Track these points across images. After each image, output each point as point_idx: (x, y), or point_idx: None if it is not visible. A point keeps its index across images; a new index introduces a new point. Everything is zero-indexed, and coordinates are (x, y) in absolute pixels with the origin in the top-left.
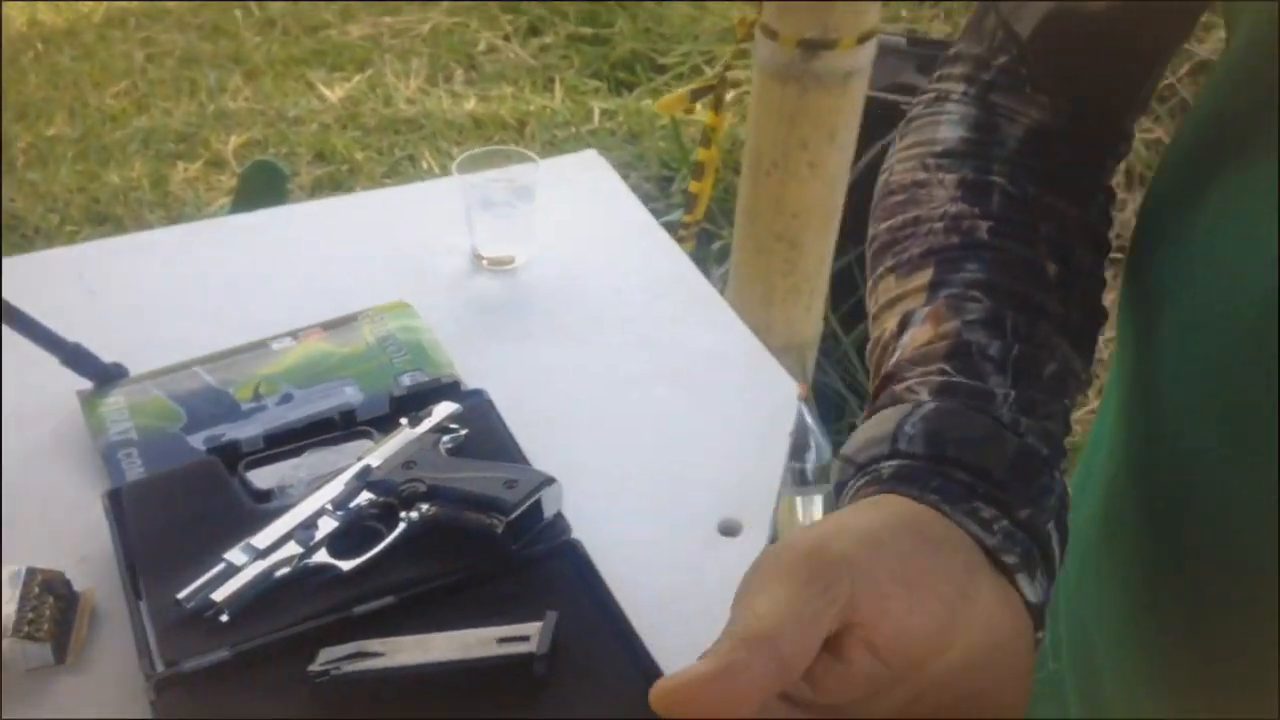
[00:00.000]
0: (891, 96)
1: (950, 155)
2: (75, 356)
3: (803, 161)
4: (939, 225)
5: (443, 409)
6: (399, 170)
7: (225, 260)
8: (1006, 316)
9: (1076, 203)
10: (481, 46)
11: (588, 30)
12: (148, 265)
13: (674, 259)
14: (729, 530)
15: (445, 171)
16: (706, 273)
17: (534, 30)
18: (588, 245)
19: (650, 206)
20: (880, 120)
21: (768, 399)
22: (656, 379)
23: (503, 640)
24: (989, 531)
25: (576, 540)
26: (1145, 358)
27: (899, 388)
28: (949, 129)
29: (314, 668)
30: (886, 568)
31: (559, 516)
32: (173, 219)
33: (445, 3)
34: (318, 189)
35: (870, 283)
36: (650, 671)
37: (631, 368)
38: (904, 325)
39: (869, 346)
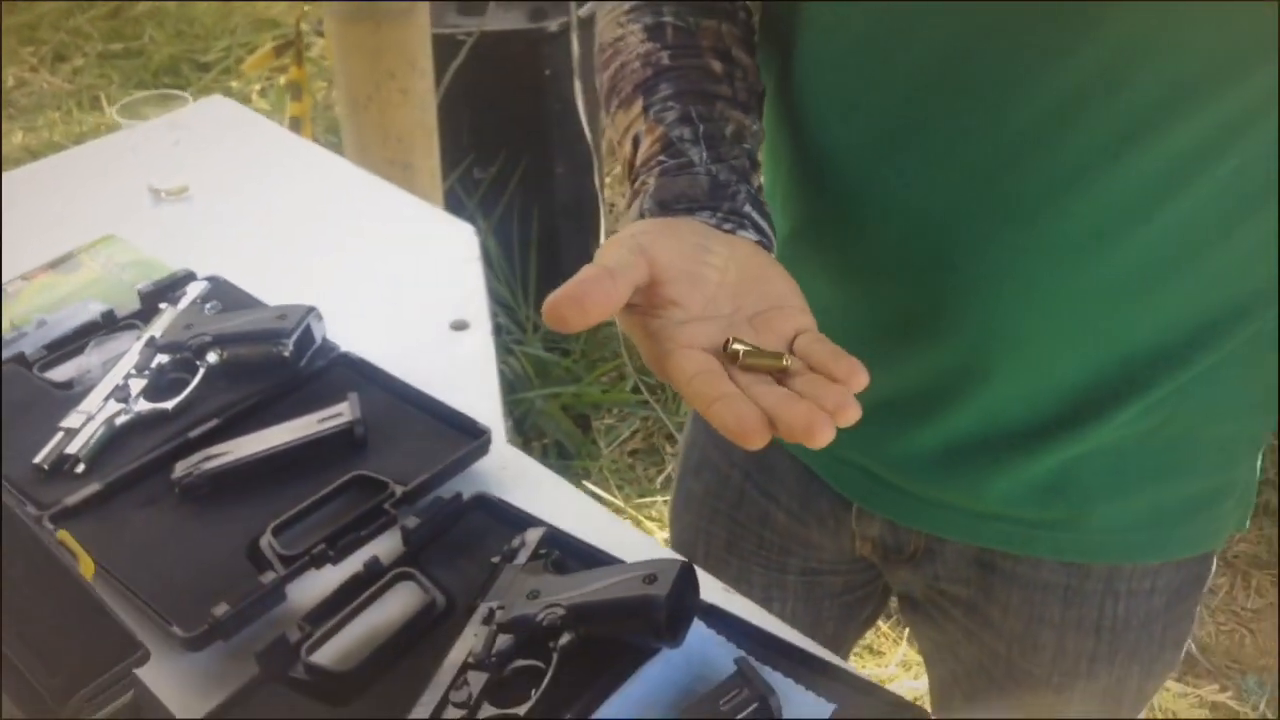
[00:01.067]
0: (447, 30)
1: (634, 10)
2: None
3: (394, 89)
4: (636, 65)
5: (194, 287)
6: None
7: None
8: (691, 109)
9: (726, 18)
10: (11, 82)
11: (118, 45)
12: None
13: (322, 161)
14: (459, 326)
15: None
16: None
17: (60, 57)
18: (248, 167)
19: None
20: (443, 53)
21: (451, 236)
22: (359, 241)
23: (322, 420)
24: (710, 216)
25: (349, 352)
26: (787, 84)
27: (637, 184)
28: None
29: (176, 475)
30: (658, 230)
31: (325, 340)
32: None
33: None
34: None
35: (608, 120)
36: (444, 415)
37: (333, 239)
38: (635, 144)
39: (621, 170)
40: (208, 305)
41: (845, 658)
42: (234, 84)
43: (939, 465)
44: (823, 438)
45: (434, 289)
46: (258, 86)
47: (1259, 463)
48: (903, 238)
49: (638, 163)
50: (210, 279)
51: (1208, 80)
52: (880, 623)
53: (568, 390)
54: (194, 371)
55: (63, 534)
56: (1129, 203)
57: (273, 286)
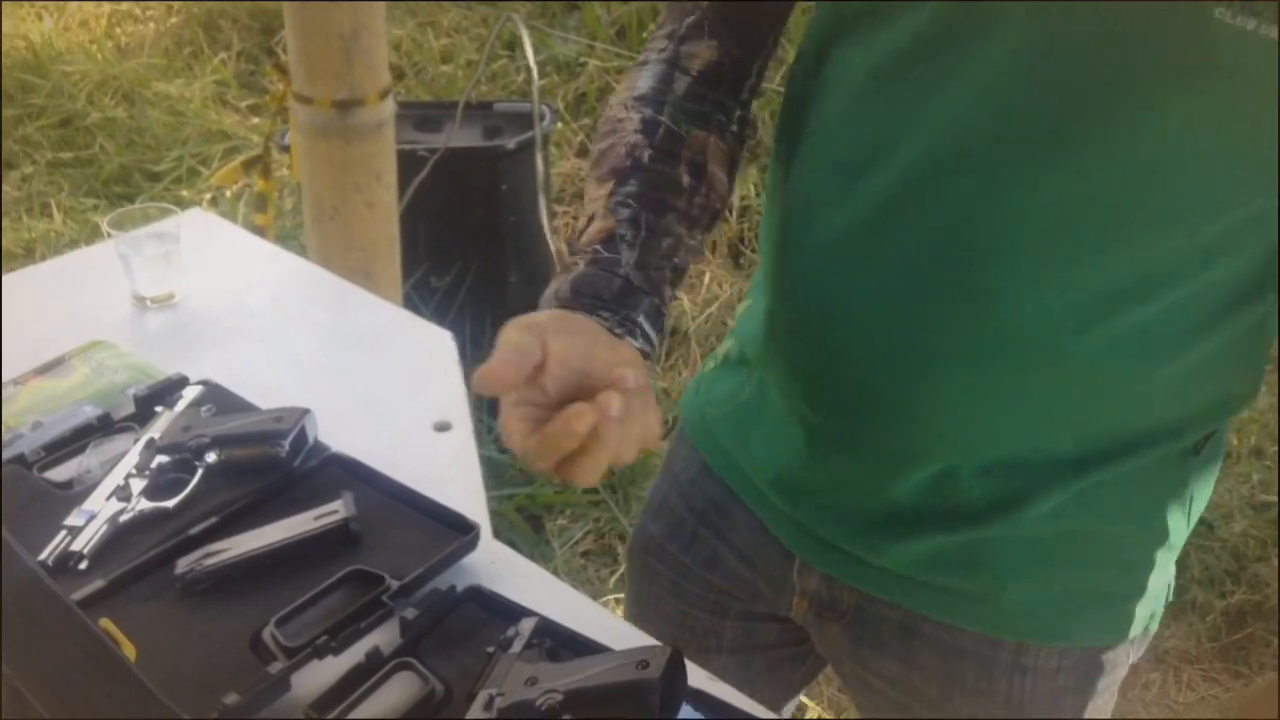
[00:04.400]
0: (408, 146)
1: (641, 99)
2: None
3: (360, 202)
4: (621, 151)
5: (190, 391)
6: None
7: None
8: (643, 214)
9: (718, 131)
10: None
11: (67, 154)
12: None
13: (302, 269)
14: (441, 427)
15: None
16: None
17: (9, 165)
18: (230, 276)
19: None
20: (406, 167)
21: (428, 342)
22: (336, 348)
23: (318, 517)
24: (604, 321)
25: (340, 452)
26: (782, 198)
27: (569, 261)
28: (644, 79)
29: (179, 571)
30: (560, 326)
31: (318, 440)
32: None
33: None
34: None
35: (588, 185)
36: (434, 512)
37: (311, 346)
38: (589, 222)
39: (569, 234)
40: (203, 408)
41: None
42: (185, 193)
43: (875, 531)
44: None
45: (416, 392)
46: (208, 196)
47: (1171, 570)
48: (859, 337)
49: (582, 241)
50: (203, 383)
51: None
52: None
53: (521, 492)
54: (193, 471)
55: (105, 622)
56: (1066, 325)
57: (260, 390)
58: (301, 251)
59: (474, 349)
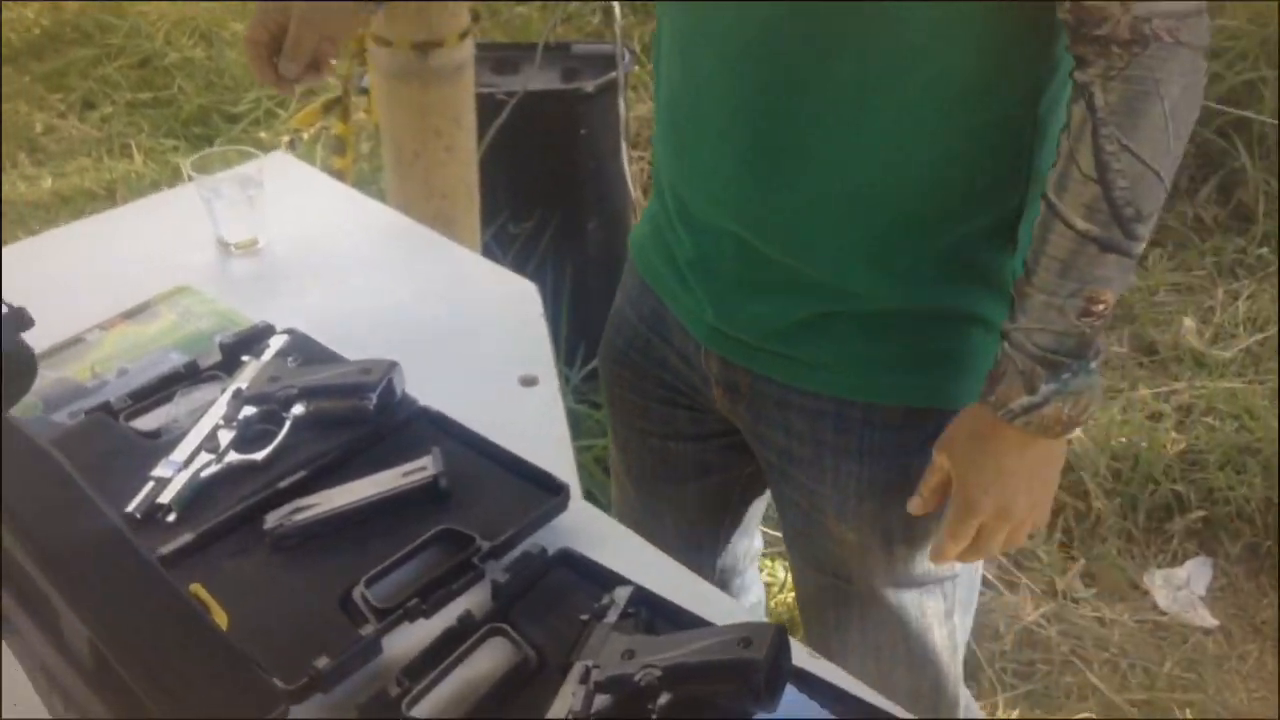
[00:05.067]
0: (485, 90)
1: None
2: None
3: (440, 147)
4: None
5: (276, 340)
6: None
7: None
8: None
9: None
10: (39, 128)
11: (147, 95)
12: None
13: (384, 216)
14: (528, 382)
15: None
16: None
17: (89, 104)
18: (312, 221)
19: None
20: (484, 112)
21: (513, 293)
22: (418, 298)
23: (406, 474)
24: None
25: (428, 406)
26: None
27: None
28: None
29: (268, 526)
30: None
31: (405, 393)
32: None
33: None
34: None
35: None
36: (523, 471)
37: (393, 294)
38: None
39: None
40: (289, 358)
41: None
42: (263, 135)
43: (744, 308)
44: None
45: (501, 344)
46: (286, 138)
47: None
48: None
49: None
50: (289, 332)
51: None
52: None
53: (599, 444)
54: (280, 424)
55: (196, 586)
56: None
57: (343, 339)
58: (380, 197)
59: (554, 299)
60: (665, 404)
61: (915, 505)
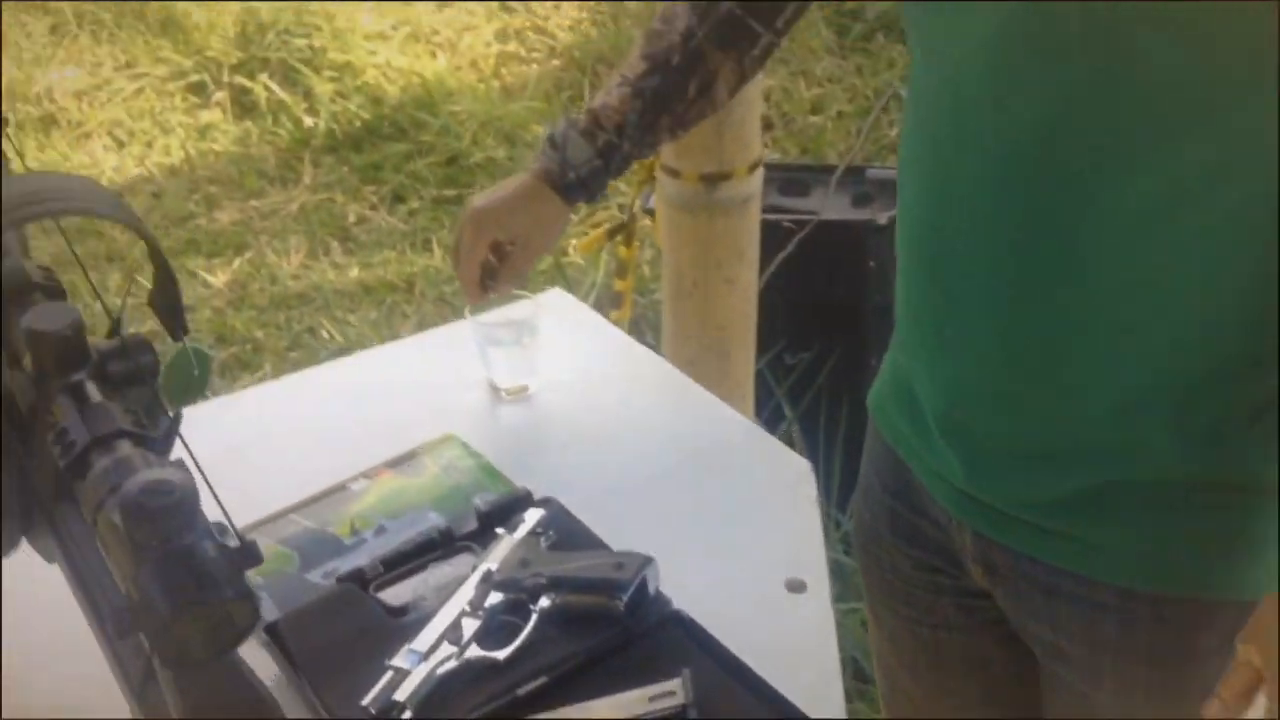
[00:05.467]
0: (773, 216)
1: (694, 5)
2: None
3: (720, 278)
4: (663, 45)
5: (532, 514)
6: (301, 343)
7: (270, 424)
8: (646, 111)
9: (735, 55)
10: (352, 218)
11: (451, 192)
12: (202, 433)
13: (655, 367)
14: (795, 588)
15: (348, 340)
16: None
17: (398, 198)
18: (582, 367)
19: None
20: (768, 238)
21: (785, 473)
22: (681, 466)
23: (653, 698)
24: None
25: (681, 610)
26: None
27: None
28: None
29: None
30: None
31: (659, 592)
32: None
33: (308, 182)
34: (226, 369)
35: (635, 48)
36: (785, 711)
37: (657, 461)
38: (617, 84)
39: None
40: (543, 537)
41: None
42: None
43: (1006, 478)
44: None
45: (768, 536)
46: (573, 242)
47: None
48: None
49: (597, 101)
50: (545, 503)
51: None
52: None
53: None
54: (526, 616)
55: None
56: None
57: (601, 508)
58: (656, 321)
59: (828, 436)
60: (927, 589)
61: (1215, 709)
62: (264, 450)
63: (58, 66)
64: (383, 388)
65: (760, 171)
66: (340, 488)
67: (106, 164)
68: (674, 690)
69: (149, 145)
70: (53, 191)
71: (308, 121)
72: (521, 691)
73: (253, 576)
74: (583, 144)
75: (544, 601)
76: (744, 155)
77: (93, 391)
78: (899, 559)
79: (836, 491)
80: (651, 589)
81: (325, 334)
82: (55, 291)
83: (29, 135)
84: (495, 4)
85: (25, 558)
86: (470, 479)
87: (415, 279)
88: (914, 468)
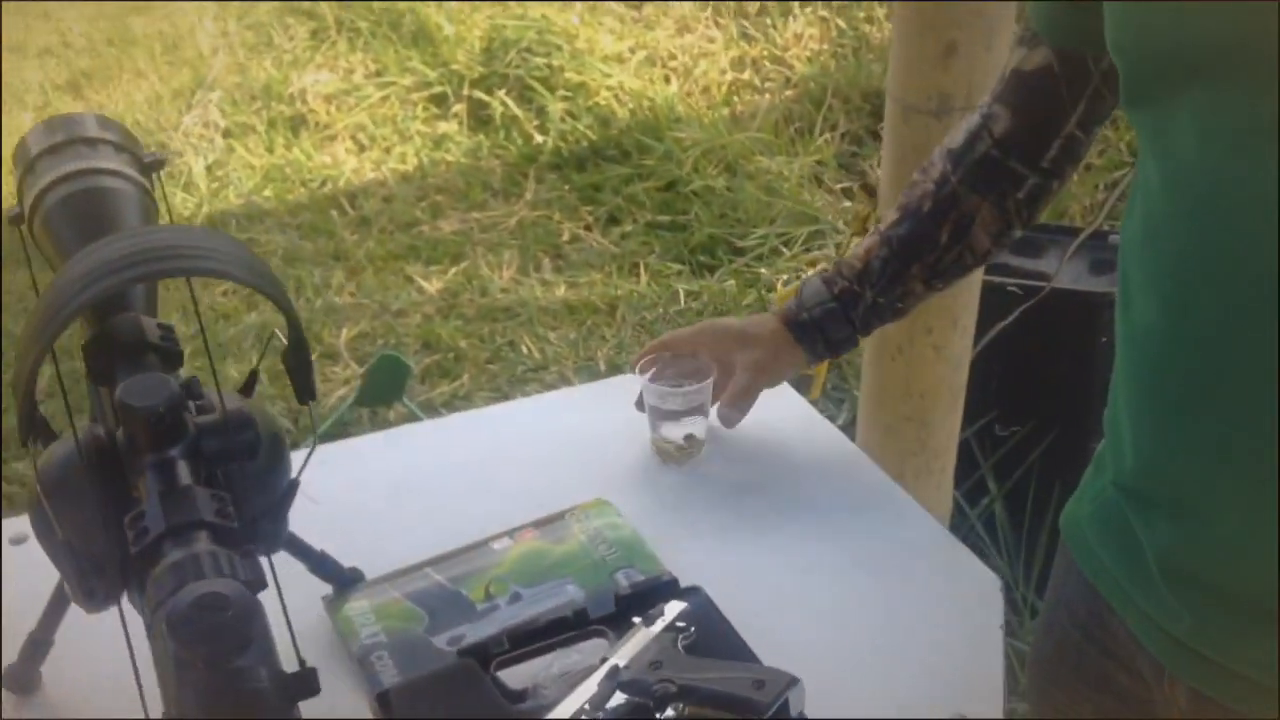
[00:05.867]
0: (998, 279)
1: (949, 152)
2: (322, 564)
3: (928, 345)
4: (916, 193)
5: (673, 608)
6: (501, 355)
7: (424, 464)
8: (892, 262)
9: (995, 198)
10: (566, 236)
11: (665, 218)
12: (352, 471)
13: (839, 446)
14: None
15: (545, 358)
16: None
17: (613, 220)
18: (758, 435)
19: None
20: (990, 302)
21: (969, 588)
22: (853, 568)
23: None
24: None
25: None
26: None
27: (831, 275)
28: (960, 131)
29: None
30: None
31: (802, 716)
32: (295, 413)
33: (529, 198)
34: (427, 376)
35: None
36: None
37: (825, 558)
38: (867, 237)
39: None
40: (680, 635)
41: None
42: (762, 270)
43: (1238, 635)
44: None
45: (943, 662)
46: (784, 277)
47: None
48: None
49: (848, 253)
50: (691, 593)
51: None
52: None
53: None
54: None
55: None
56: None
57: (753, 606)
58: (854, 385)
59: (1035, 520)
60: None
61: None
62: (414, 492)
63: (314, 70)
64: (552, 433)
65: None
66: (483, 544)
67: (347, 166)
68: None
69: (387, 151)
70: (189, 249)
71: (537, 138)
72: None
73: (377, 634)
74: (820, 287)
75: (670, 711)
76: None
77: (183, 472)
78: (1080, 703)
79: (1036, 579)
80: (795, 712)
81: (525, 349)
82: (171, 354)
83: (279, 133)
84: (735, 31)
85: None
86: (616, 554)
87: (618, 302)
88: (1117, 607)
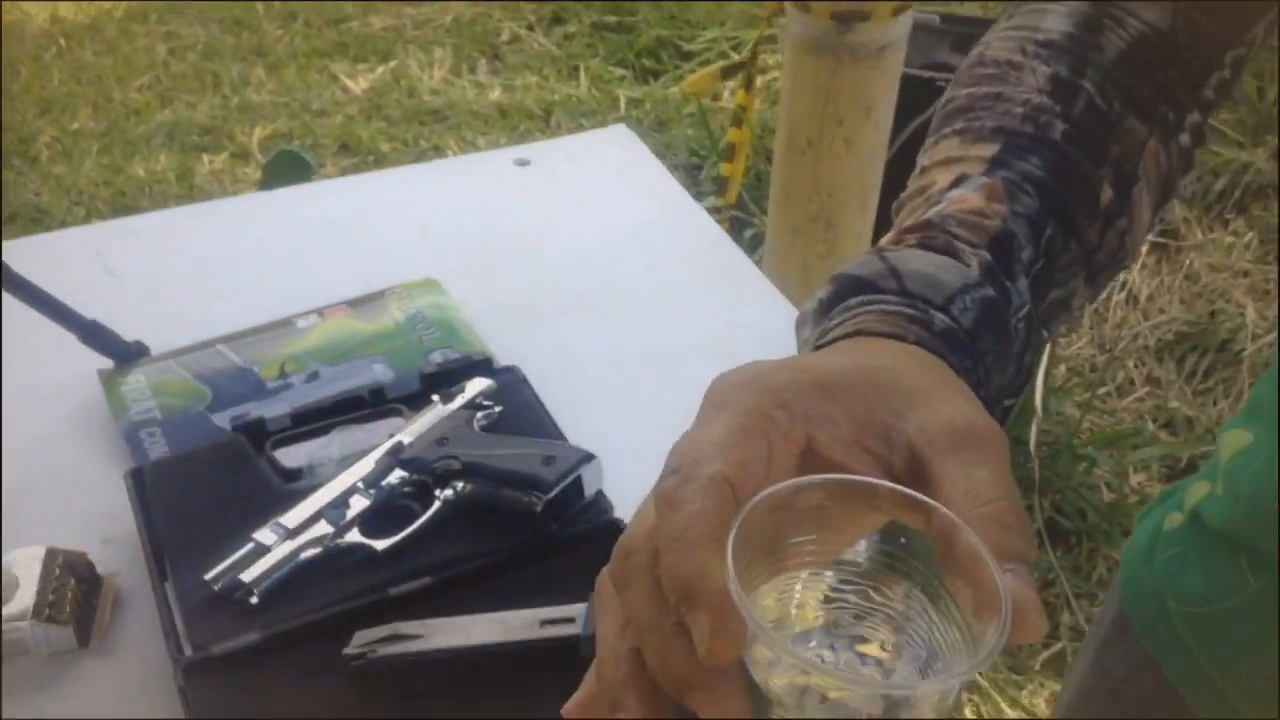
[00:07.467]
0: (927, 74)
1: (1050, 46)
2: (93, 333)
3: (838, 138)
4: (1018, 110)
5: (475, 385)
6: (425, 160)
7: (247, 239)
8: (1047, 226)
9: (1160, 131)
10: (505, 36)
11: (611, 19)
12: (169, 244)
13: (709, 234)
14: None
15: None
16: None
17: (557, 19)
18: (620, 220)
19: None
20: (915, 98)
21: None
22: (696, 355)
23: (546, 622)
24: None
25: (619, 520)
26: None
27: (947, 240)
28: (1055, 20)
29: (349, 650)
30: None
31: (600, 495)
32: None
33: None
34: None
35: (931, 139)
36: None
37: (670, 343)
38: (956, 183)
39: (907, 192)
40: (480, 413)
41: None
42: None
43: None
44: None
45: None
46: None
47: None
48: None
49: (946, 205)
50: (507, 371)
51: None
52: None
53: None
54: (427, 504)
55: None
56: None
57: (581, 394)
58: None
59: None
60: None
61: None
62: (227, 268)
63: None
64: (385, 213)
65: (908, 16)
66: (286, 322)
67: None
68: (573, 616)
69: None
70: None
71: None
72: (395, 591)
73: (151, 410)
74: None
75: (449, 491)
76: None
77: None
78: None
79: None
80: (589, 492)
81: (451, 154)
82: None
83: None
84: None
85: None
86: (436, 333)
87: (555, 107)
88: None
